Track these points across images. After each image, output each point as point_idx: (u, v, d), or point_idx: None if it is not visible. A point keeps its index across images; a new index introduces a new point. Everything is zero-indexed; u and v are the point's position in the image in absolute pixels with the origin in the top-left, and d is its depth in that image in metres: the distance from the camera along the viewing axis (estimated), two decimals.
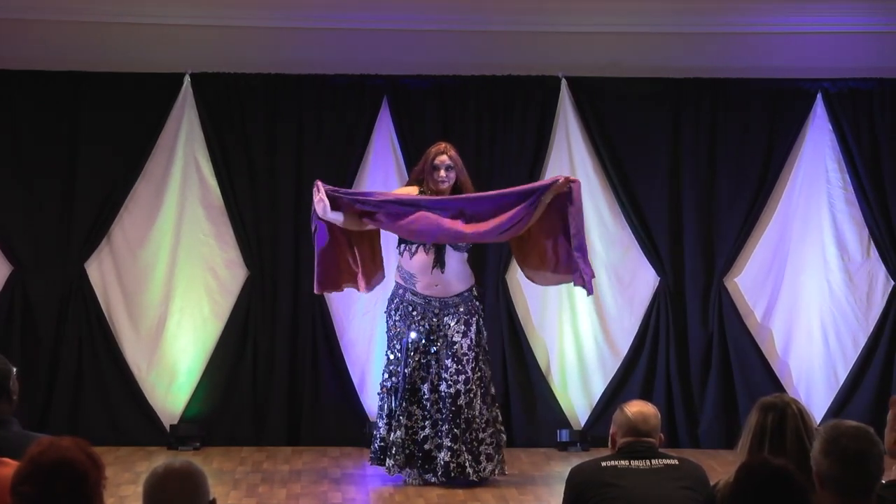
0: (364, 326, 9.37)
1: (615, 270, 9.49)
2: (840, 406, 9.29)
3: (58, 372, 9.19)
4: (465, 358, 7.81)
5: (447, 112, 9.38)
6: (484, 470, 7.83)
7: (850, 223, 9.46)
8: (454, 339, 7.82)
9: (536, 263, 7.95)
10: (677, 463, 4.70)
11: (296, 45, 9.34)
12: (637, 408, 4.75)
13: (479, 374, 7.86)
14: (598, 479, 4.62)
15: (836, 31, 9.48)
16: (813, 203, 9.50)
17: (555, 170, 9.34)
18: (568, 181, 7.71)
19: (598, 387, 9.44)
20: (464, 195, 7.84)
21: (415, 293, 7.89)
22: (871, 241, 9.45)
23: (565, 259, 7.81)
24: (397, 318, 7.92)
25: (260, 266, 9.33)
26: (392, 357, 7.92)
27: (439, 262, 7.85)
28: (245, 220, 9.30)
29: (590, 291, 7.86)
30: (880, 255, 9.44)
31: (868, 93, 9.44)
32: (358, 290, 8.03)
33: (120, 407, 9.23)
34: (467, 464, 7.76)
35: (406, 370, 7.81)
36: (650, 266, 9.46)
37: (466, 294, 7.94)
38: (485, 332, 8.00)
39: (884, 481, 3.85)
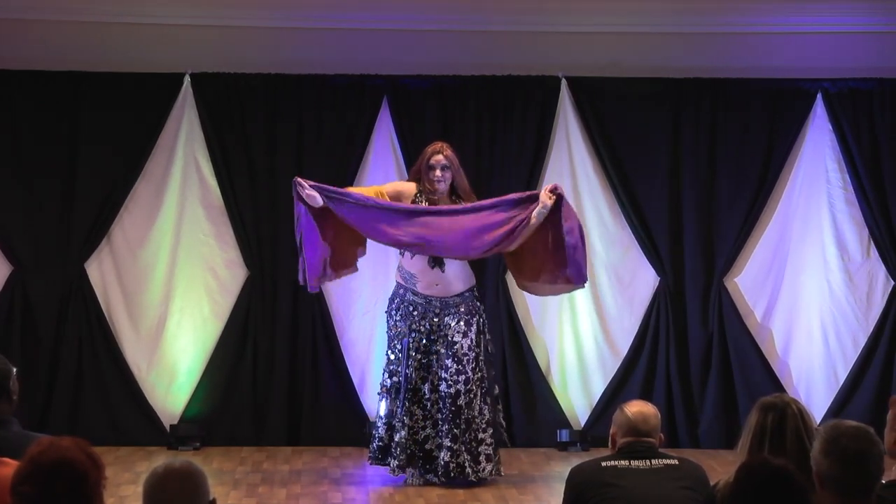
0: (364, 326, 9.36)
1: (615, 270, 9.49)
2: (840, 406, 9.29)
3: (58, 372, 9.19)
4: (465, 358, 7.80)
5: (447, 112, 9.37)
6: (483, 470, 7.82)
7: (850, 223, 9.45)
8: (454, 339, 7.82)
9: (531, 276, 7.94)
10: (677, 463, 4.70)
11: (296, 45, 9.34)
12: (637, 408, 4.75)
13: (479, 374, 7.85)
14: (598, 479, 4.62)
15: (836, 31, 9.47)
16: (813, 203, 9.50)
17: (555, 170, 9.34)
18: (551, 194, 7.66)
19: (598, 387, 9.44)
20: (444, 207, 7.80)
21: (415, 293, 7.89)
22: (871, 241, 9.44)
23: (561, 268, 7.78)
24: (398, 318, 7.91)
25: (260, 266, 9.33)
26: (393, 357, 7.92)
27: (439, 262, 7.85)
28: (245, 220, 9.30)
29: (582, 281, 7.79)
30: (880, 255, 9.44)
31: (868, 93, 9.43)
32: (358, 257, 7.98)
33: (120, 407, 9.23)
34: (467, 464, 7.76)
35: (408, 370, 7.81)
36: (650, 266, 9.46)
37: (467, 294, 7.93)
38: (487, 333, 8.00)
39: (884, 481, 3.85)
